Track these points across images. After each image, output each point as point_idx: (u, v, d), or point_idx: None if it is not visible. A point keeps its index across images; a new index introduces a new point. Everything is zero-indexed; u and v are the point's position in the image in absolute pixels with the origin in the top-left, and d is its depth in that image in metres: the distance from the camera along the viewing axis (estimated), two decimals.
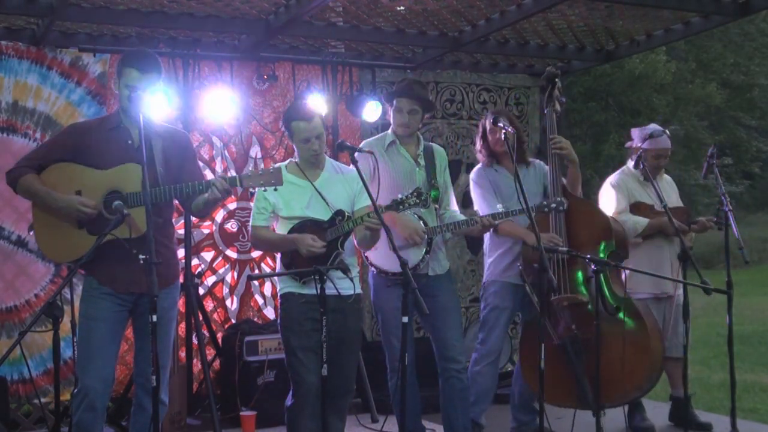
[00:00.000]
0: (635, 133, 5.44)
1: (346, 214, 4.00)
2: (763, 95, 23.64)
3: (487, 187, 4.86)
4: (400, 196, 3.96)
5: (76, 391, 3.64)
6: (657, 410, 5.52)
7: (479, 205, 4.90)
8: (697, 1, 5.42)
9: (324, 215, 3.99)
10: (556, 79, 4.95)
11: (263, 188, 3.63)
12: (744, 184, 24.04)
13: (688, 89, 21.59)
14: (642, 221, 5.13)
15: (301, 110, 4.06)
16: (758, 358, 8.54)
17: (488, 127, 4.85)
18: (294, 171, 4.09)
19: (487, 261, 5.00)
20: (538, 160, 5.10)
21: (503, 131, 4.39)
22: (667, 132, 5.40)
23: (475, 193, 4.94)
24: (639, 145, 5.29)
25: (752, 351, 8.86)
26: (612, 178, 5.39)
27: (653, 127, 5.38)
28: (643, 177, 5.22)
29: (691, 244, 5.18)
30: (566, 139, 4.89)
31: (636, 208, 5.22)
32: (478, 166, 5.01)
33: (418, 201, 3.94)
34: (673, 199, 5.37)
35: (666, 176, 5.52)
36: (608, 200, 5.28)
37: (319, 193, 4.00)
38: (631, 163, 5.35)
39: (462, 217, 4.61)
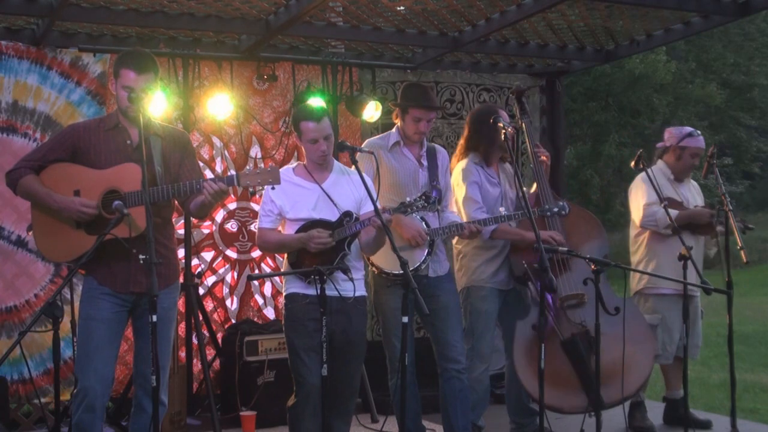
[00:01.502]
0: (671, 131, 5.44)
1: (354, 215, 3.99)
2: (763, 95, 23.63)
3: (476, 188, 4.76)
4: (408, 199, 3.95)
5: (75, 391, 3.63)
6: (656, 410, 5.52)
7: (466, 203, 4.73)
8: (697, 1, 5.42)
9: (331, 216, 3.98)
10: (523, 95, 5.13)
11: (261, 187, 3.62)
12: (744, 184, 24.04)
13: (688, 89, 21.59)
14: (672, 211, 5.13)
15: (310, 110, 4.03)
16: (758, 358, 8.54)
17: (512, 131, 4.71)
18: (302, 173, 4.08)
19: (472, 265, 4.85)
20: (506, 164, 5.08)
21: (504, 131, 4.38)
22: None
23: (464, 189, 4.76)
24: (676, 143, 5.31)
25: (752, 351, 8.86)
26: (643, 174, 5.34)
27: (689, 127, 5.42)
28: (674, 176, 5.32)
29: (717, 248, 5.21)
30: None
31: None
32: (468, 161, 4.82)
33: (426, 204, 3.92)
34: (699, 202, 5.41)
35: (692, 181, 5.54)
36: (639, 194, 5.25)
37: (327, 195, 4.00)
38: (660, 163, 5.38)
39: (457, 219, 4.61)
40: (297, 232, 3.97)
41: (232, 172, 6.13)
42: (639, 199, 5.23)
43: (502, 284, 4.83)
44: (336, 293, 3.84)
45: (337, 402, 3.99)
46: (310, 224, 3.96)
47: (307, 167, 4.08)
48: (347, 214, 3.97)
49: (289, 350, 4.01)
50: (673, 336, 5.17)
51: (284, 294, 4.08)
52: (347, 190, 4.06)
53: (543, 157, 4.93)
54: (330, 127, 4.00)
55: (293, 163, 4.22)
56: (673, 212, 5.11)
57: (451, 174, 4.85)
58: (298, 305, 3.96)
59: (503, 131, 4.38)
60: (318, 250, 3.88)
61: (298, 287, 3.98)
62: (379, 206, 3.80)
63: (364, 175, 3.88)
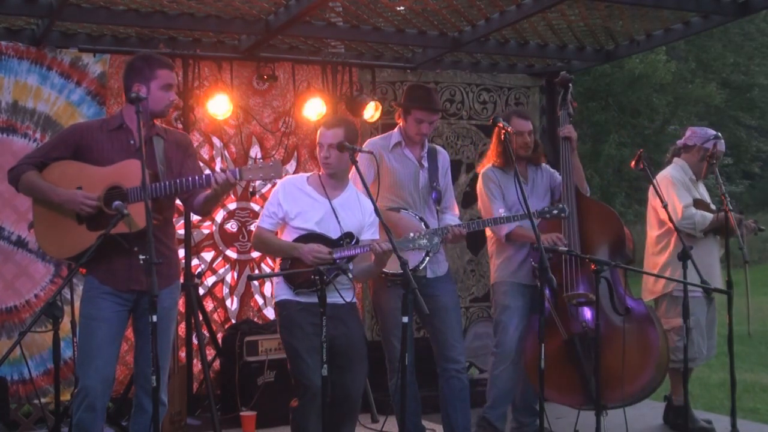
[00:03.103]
0: (695, 131, 5.39)
1: (355, 237, 4.01)
2: (763, 95, 23.61)
3: (496, 190, 4.87)
4: (412, 235, 3.99)
5: (76, 391, 3.64)
6: (656, 410, 5.52)
7: (484, 206, 4.91)
8: (697, 1, 5.41)
9: (333, 234, 4.00)
10: (570, 84, 5.06)
11: (263, 182, 3.63)
12: (744, 184, 24.02)
13: (688, 89, 21.57)
14: (708, 215, 5.12)
15: (329, 118, 4.16)
16: (758, 358, 8.53)
17: (512, 130, 4.77)
18: (315, 184, 4.10)
19: (495, 262, 4.99)
20: (545, 164, 5.11)
21: (503, 131, 4.38)
22: None
23: (482, 193, 4.93)
24: (701, 144, 5.26)
25: (752, 351, 8.85)
26: (672, 172, 5.31)
27: (712, 130, 5.38)
28: (694, 176, 5.29)
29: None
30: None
31: (694, 204, 5.20)
32: (490, 165, 4.98)
33: (428, 244, 3.95)
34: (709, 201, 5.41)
35: (702, 183, 5.50)
36: (672, 194, 5.16)
37: (334, 212, 4.00)
38: (680, 161, 5.33)
39: (453, 221, 4.62)
40: (296, 240, 3.98)
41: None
42: (674, 199, 5.14)
43: (525, 278, 4.87)
44: (329, 300, 3.73)
45: (347, 406, 4.00)
46: (310, 236, 3.97)
47: (322, 179, 4.09)
48: (349, 235, 3.99)
49: (289, 354, 3.99)
50: (707, 337, 5.19)
51: (275, 301, 4.09)
52: (354, 213, 4.07)
53: (567, 134, 4.90)
54: (339, 137, 3.97)
55: (309, 172, 4.25)
56: (708, 215, 5.09)
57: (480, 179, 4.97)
58: (292, 311, 3.97)
59: (503, 132, 4.38)
60: (314, 264, 3.88)
61: (289, 295, 3.99)
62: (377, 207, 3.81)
63: (362, 173, 3.91)
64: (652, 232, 5.34)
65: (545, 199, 4.94)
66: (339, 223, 3.99)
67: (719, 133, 5.37)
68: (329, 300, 3.77)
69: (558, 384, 4.58)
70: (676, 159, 5.39)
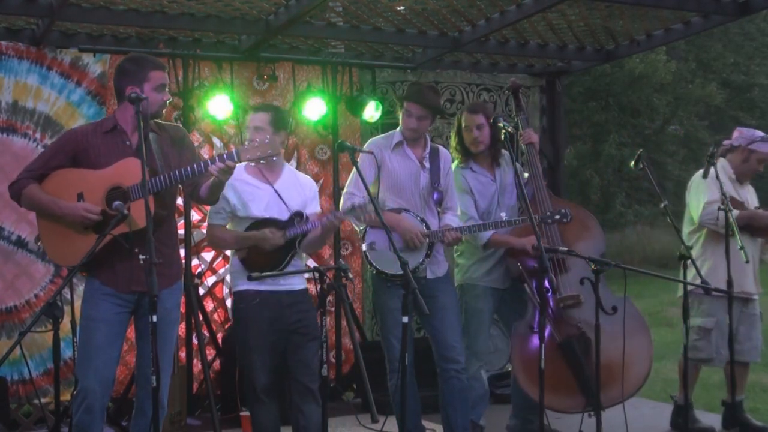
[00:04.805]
0: (742, 132, 5.35)
1: (304, 215, 4.12)
2: (763, 95, 23.57)
3: (466, 193, 4.80)
4: (357, 201, 4.16)
5: (75, 392, 3.63)
6: (656, 410, 5.51)
7: (462, 215, 4.80)
8: (697, 1, 5.42)
9: (281, 216, 4.10)
10: (519, 91, 5.07)
11: (261, 161, 3.64)
12: None
13: (688, 89, 21.54)
14: (734, 211, 5.07)
15: (262, 103, 4.26)
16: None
17: (463, 125, 4.82)
18: (253, 172, 4.17)
19: (466, 263, 4.91)
20: (504, 151, 5.00)
21: (503, 131, 4.38)
22: None
23: (455, 195, 4.81)
24: (745, 145, 5.23)
25: None
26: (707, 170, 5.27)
27: (761, 132, 5.33)
28: (736, 176, 5.24)
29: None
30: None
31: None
32: (457, 165, 4.87)
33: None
34: (756, 205, 5.36)
35: (749, 185, 5.45)
36: (701, 191, 5.16)
37: (279, 195, 4.09)
38: (723, 161, 5.28)
39: (453, 221, 4.62)
40: (247, 229, 4.08)
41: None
42: (700, 196, 5.13)
43: (496, 282, 4.85)
44: (285, 288, 4.04)
45: (303, 387, 4.05)
46: (260, 222, 4.07)
47: (258, 165, 4.08)
48: (298, 215, 4.10)
49: (240, 348, 4.14)
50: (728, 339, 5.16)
51: (233, 291, 4.18)
52: (296, 192, 4.19)
53: (532, 140, 4.86)
54: (264, 121, 4.10)
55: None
56: (735, 212, 5.07)
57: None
58: (250, 305, 4.06)
59: (503, 131, 4.38)
60: (272, 248, 4.00)
61: (249, 284, 4.02)
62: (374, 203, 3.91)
63: (362, 172, 3.96)
64: (686, 229, 5.34)
65: (513, 195, 4.89)
66: (286, 205, 4.10)
67: (767, 135, 5.29)
68: (284, 287, 4.02)
69: (553, 388, 4.55)
70: (720, 159, 5.35)
